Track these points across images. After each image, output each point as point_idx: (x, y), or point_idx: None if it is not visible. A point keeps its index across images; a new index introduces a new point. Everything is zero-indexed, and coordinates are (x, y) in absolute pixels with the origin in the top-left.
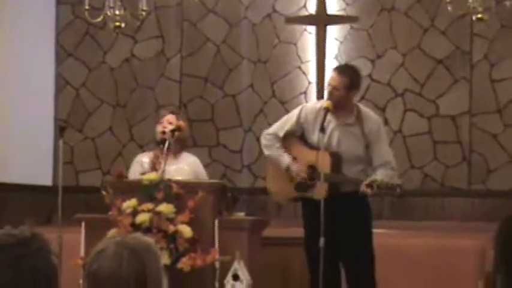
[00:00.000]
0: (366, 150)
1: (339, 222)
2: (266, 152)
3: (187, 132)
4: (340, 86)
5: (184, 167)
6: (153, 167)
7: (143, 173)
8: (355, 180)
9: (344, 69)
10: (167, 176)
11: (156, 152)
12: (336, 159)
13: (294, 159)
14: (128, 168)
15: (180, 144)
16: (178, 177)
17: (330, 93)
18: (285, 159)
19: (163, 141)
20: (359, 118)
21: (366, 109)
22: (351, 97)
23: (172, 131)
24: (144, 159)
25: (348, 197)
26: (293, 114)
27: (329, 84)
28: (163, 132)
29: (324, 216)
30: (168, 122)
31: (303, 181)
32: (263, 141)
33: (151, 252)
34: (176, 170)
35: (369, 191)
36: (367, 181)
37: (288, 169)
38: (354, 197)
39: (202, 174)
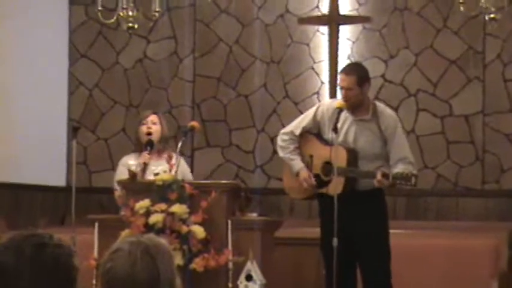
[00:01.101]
0: (383, 147)
1: (355, 221)
2: (280, 153)
3: (167, 129)
4: (352, 85)
5: None
6: (144, 169)
7: (134, 175)
8: (370, 173)
9: (350, 68)
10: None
11: (144, 154)
12: (352, 155)
13: (311, 156)
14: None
15: (163, 143)
16: None
17: (346, 95)
18: (297, 164)
19: (150, 143)
20: (375, 114)
21: (382, 106)
22: (365, 92)
23: (186, 131)
24: (130, 161)
25: (364, 195)
26: (310, 112)
27: (341, 87)
28: (149, 133)
29: (340, 215)
30: (152, 122)
31: (319, 177)
32: (279, 141)
33: (165, 252)
34: (164, 170)
35: (384, 180)
36: (383, 172)
37: (297, 175)
38: (371, 196)
39: (188, 173)
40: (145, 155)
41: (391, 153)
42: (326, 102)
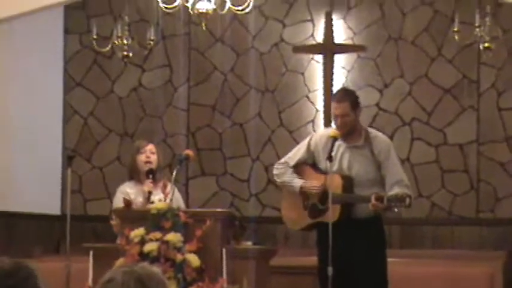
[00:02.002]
0: (378, 171)
1: (352, 249)
2: (278, 180)
3: (162, 159)
4: (347, 110)
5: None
6: (148, 198)
7: (129, 203)
8: (365, 197)
9: (341, 95)
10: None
11: (148, 183)
12: (348, 182)
13: None
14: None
15: (159, 172)
16: None
17: (342, 122)
18: (297, 181)
19: (151, 171)
20: (368, 140)
21: (374, 130)
22: (358, 117)
23: (181, 160)
24: (128, 189)
25: (362, 223)
26: (303, 144)
27: (337, 115)
28: (149, 162)
29: (337, 243)
30: (151, 151)
31: (316, 206)
32: (275, 171)
33: (158, 281)
34: (160, 198)
35: (378, 204)
36: (377, 195)
37: (301, 190)
38: (368, 224)
39: (182, 202)
40: (149, 184)
41: (386, 177)
42: (319, 133)
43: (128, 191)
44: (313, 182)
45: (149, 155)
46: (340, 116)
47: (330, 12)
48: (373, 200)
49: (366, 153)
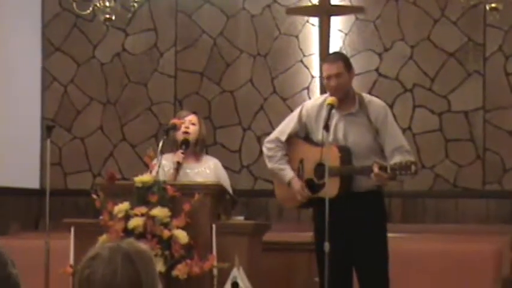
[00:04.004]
0: (376, 139)
1: (351, 224)
2: (268, 164)
3: (205, 132)
4: (341, 70)
5: (207, 171)
6: (177, 169)
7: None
8: (366, 167)
9: (333, 56)
10: (188, 179)
11: (179, 153)
12: (346, 153)
13: (301, 161)
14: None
15: (200, 145)
16: (200, 181)
17: (338, 84)
18: (287, 174)
19: (186, 142)
20: (362, 105)
21: (367, 95)
22: (352, 79)
23: (167, 129)
24: (164, 161)
25: (362, 197)
26: (294, 115)
27: (330, 76)
28: (186, 133)
29: (335, 218)
30: (191, 122)
31: (312, 182)
32: (265, 151)
33: (147, 258)
34: (198, 173)
35: (382, 173)
36: (379, 164)
37: (289, 184)
38: (368, 198)
39: (224, 178)
40: (179, 154)
41: (385, 143)
42: (309, 102)
43: (164, 163)
44: (309, 163)
45: (188, 125)
46: (334, 75)
47: None
48: (375, 170)
49: (361, 120)
